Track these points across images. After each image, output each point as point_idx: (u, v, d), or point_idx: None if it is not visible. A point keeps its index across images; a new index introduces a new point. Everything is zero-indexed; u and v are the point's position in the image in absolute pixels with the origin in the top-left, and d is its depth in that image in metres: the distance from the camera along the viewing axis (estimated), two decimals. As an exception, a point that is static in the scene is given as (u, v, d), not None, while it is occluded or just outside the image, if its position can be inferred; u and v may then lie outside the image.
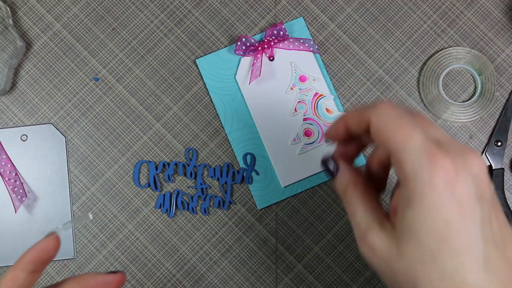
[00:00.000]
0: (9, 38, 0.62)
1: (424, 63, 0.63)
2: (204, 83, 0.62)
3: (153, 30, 0.63)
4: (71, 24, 0.63)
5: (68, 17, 0.63)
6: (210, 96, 0.62)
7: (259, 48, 0.61)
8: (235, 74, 0.62)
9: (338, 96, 0.62)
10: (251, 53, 0.61)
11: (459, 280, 0.34)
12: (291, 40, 0.62)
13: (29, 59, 0.62)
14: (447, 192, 0.34)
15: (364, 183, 0.41)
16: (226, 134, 0.62)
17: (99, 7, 0.63)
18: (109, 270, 0.60)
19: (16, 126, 0.61)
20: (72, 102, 0.62)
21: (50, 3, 0.63)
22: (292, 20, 0.63)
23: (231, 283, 0.60)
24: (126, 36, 0.63)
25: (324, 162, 0.42)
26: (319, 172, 0.61)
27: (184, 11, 0.63)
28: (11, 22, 0.61)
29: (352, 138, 0.42)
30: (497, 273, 0.34)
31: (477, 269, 0.34)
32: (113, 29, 0.63)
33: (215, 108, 0.62)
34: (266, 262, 0.60)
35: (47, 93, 0.62)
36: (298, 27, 0.63)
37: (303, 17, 0.63)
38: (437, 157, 0.35)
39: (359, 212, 0.39)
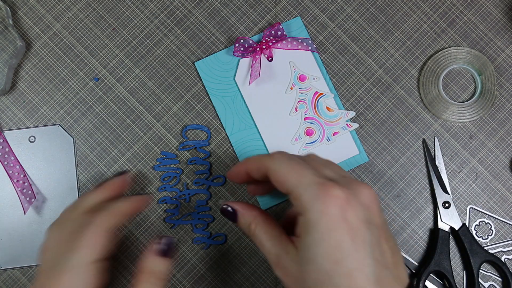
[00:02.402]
0: (9, 38, 0.62)
1: (424, 63, 0.63)
2: (204, 86, 0.62)
3: (153, 30, 0.63)
4: (71, 24, 0.63)
5: (68, 17, 0.63)
6: (209, 97, 0.62)
7: (258, 49, 0.61)
8: (234, 75, 0.62)
9: (338, 95, 0.62)
10: (249, 54, 0.61)
11: None
12: (289, 39, 0.62)
13: (29, 59, 0.62)
14: (339, 218, 0.39)
15: (266, 218, 0.45)
16: (226, 135, 0.62)
17: (99, 7, 0.63)
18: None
19: (24, 128, 0.61)
20: (72, 102, 0.62)
21: (50, 3, 0.63)
22: (289, 19, 0.63)
23: (231, 283, 0.60)
24: (126, 36, 0.63)
25: (223, 210, 0.48)
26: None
27: (184, 11, 0.63)
28: (11, 22, 0.61)
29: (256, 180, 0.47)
30: None
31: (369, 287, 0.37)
32: (113, 29, 0.63)
33: (215, 109, 0.62)
34: (266, 262, 0.60)
35: (47, 93, 0.62)
36: (295, 26, 0.63)
37: (301, 17, 0.63)
38: (328, 187, 0.40)
39: (267, 243, 0.43)
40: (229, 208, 0.47)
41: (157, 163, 0.61)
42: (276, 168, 0.43)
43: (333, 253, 0.38)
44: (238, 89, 0.62)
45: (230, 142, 0.61)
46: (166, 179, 0.61)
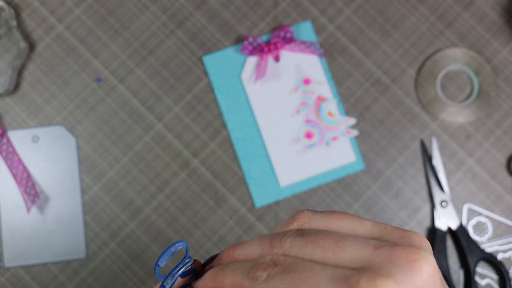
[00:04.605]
0: (13, 40, 0.63)
1: (422, 64, 0.64)
2: (209, 81, 0.63)
3: (155, 32, 0.64)
4: (74, 26, 0.64)
5: (71, 19, 0.64)
6: (210, 97, 0.63)
7: (266, 49, 0.62)
8: (240, 73, 0.63)
9: (340, 99, 0.63)
10: (257, 53, 0.62)
11: None
12: (297, 42, 0.62)
13: (33, 60, 0.63)
14: None
15: None
16: (227, 133, 0.62)
17: (101, 9, 0.64)
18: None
19: (28, 128, 0.62)
20: (75, 103, 0.63)
21: (53, 5, 0.64)
22: (299, 22, 0.64)
23: None
24: (128, 38, 0.64)
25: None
26: (317, 175, 0.61)
27: (185, 13, 0.64)
28: (15, 23, 0.62)
29: None
30: None
31: None
32: (115, 30, 0.64)
33: (215, 109, 0.62)
34: None
35: (50, 93, 0.63)
36: (305, 30, 0.63)
37: (301, 18, 0.64)
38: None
39: None
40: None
41: None
42: None
43: None
44: (243, 86, 0.62)
45: (230, 141, 0.62)
46: None
